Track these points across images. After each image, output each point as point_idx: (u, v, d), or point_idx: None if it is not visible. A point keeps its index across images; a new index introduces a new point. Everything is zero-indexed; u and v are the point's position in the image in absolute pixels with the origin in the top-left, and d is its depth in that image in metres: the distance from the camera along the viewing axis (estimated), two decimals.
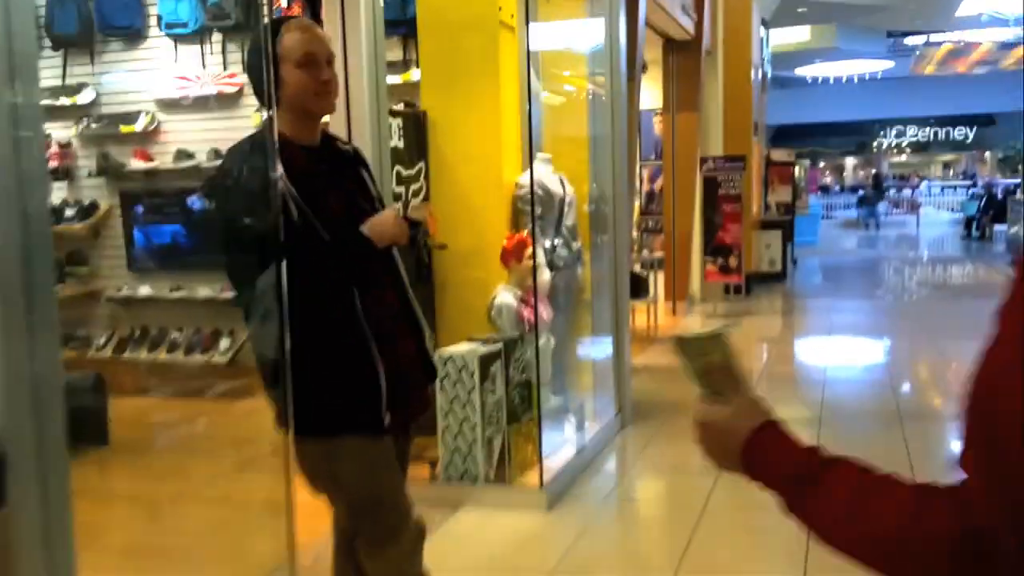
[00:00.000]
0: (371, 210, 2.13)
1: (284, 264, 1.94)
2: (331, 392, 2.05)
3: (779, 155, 14.48)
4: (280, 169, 1.95)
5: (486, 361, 3.72)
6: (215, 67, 5.51)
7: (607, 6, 5.08)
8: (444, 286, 4.37)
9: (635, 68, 5.84)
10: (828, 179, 35.85)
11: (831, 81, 26.21)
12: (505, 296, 4.12)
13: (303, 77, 2.01)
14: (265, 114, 2.04)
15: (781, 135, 25.75)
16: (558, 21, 5.30)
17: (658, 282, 8.58)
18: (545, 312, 4.22)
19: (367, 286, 2.05)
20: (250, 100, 5.55)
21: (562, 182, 4.73)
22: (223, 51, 5.51)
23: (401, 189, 4.11)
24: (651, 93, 9.55)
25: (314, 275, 1.99)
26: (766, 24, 13.23)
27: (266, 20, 2.11)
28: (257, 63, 2.04)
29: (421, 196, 4.27)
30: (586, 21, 5.16)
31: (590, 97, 5.30)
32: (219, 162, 2.13)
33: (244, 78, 5.53)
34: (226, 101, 5.50)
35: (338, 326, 2.02)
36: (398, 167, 4.06)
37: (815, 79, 25.85)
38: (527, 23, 4.25)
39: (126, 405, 4.82)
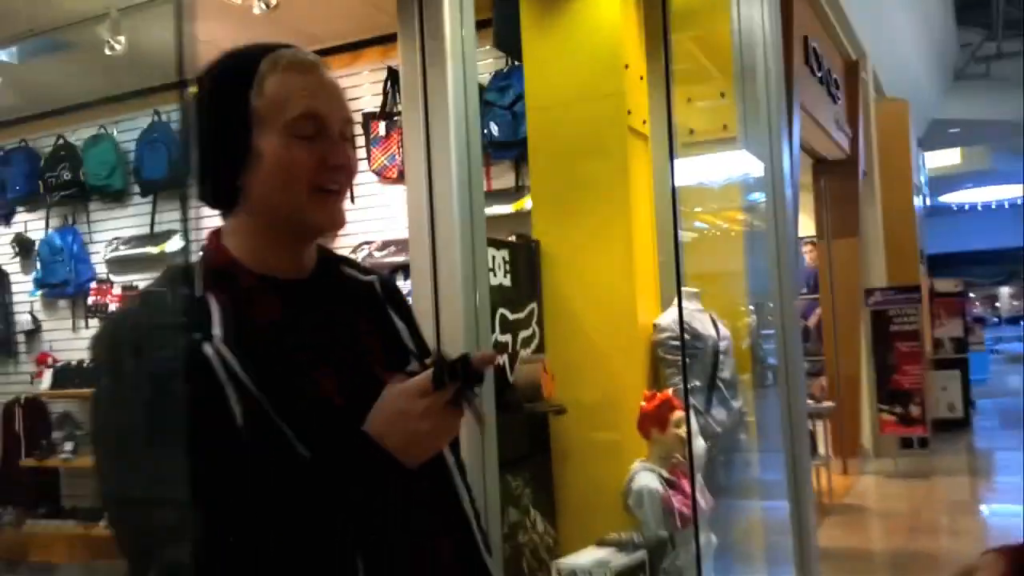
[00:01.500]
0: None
1: (214, 506, 0.98)
2: None
3: (944, 285, 12.95)
4: (217, 328, 1.04)
5: None
6: None
7: (765, 123, 4.18)
8: (564, 463, 3.38)
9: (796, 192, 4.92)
10: (981, 310, 33.42)
11: (979, 207, 24.43)
12: (646, 478, 3.09)
13: (298, 154, 1.12)
14: (196, 218, 1.15)
15: (929, 264, 23.96)
16: (704, 141, 4.46)
17: (826, 436, 7.28)
18: (703, 499, 3.14)
19: (386, 542, 1.09)
20: (347, 240, 4.90)
21: (714, 322, 3.74)
22: None
23: (507, 338, 3.22)
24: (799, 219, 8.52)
25: (276, 526, 1.02)
26: (920, 145, 12.11)
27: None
28: (208, 124, 1.14)
29: (533, 346, 3.36)
30: (738, 146, 4.28)
31: (746, 228, 4.37)
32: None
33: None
34: (320, 242, 4.85)
35: None
36: (503, 310, 3.18)
37: (961, 205, 24.14)
38: (669, 127, 3.39)
39: None
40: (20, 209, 5.83)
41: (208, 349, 1.03)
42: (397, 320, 1.26)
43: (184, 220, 1.02)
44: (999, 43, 12.94)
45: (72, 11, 4.23)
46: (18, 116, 5.72)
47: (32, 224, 5.81)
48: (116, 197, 5.48)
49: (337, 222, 1.18)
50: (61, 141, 5.54)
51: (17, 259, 5.81)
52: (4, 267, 5.86)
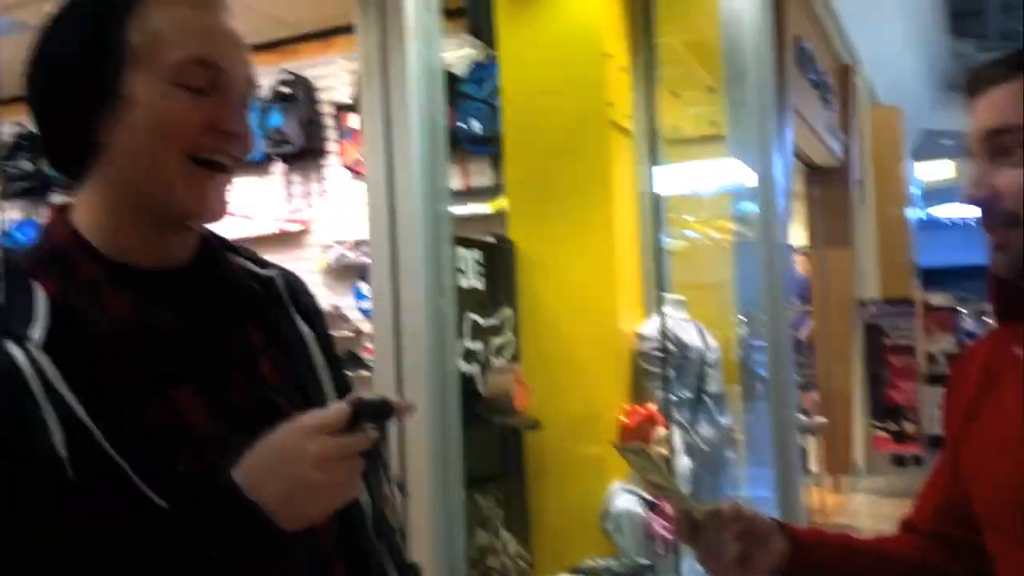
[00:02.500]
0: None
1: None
2: None
3: (937, 299, 12.80)
4: (38, 328, 0.79)
5: None
6: (276, 202, 4.68)
7: (755, 124, 3.95)
8: (538, 481, 3.14)
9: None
10: (972, 325, 33.46)
11: (972, 222, 24.34)
12: (625, 500, 2.85)
13: (179, 107, 0.87)
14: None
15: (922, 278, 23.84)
16: (691, 139, 4.24)
17: (818, 452, 7.06)
18: None
19: None
20: (317, 239, 4.67)
21: (701, 333, 3.52)
22: (286, 184, 4.69)
23: (478, 345, 2.98)
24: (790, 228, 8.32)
25: None
26: (913, 156, 11.98)
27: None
28: (66, 56, 0.88)
29: (507, 354, 3.12)
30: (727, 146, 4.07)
31: (736, 236, 4.16)
32: None
33: (309, 214, 4.67)
34: (288, 241, 4.63)
35: None
36: (474, 316, 2.95)
37: (954, 219, 24.10)
38: (652, 124, 3.18)
39: None
40: None
41: (18, 355, 0.77)
42: (303, 327, 1.01)
43: None
44: (993, 54, 12.82)
45: None
46: None
47: None
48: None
49: (216, 209, 0.91)
50: (23, 131, 5.31)
51: None
52: None
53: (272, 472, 0.79)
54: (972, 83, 1.02)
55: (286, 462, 0.80)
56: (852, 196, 7.95)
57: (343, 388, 1.02)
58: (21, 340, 0.78)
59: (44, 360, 0.78)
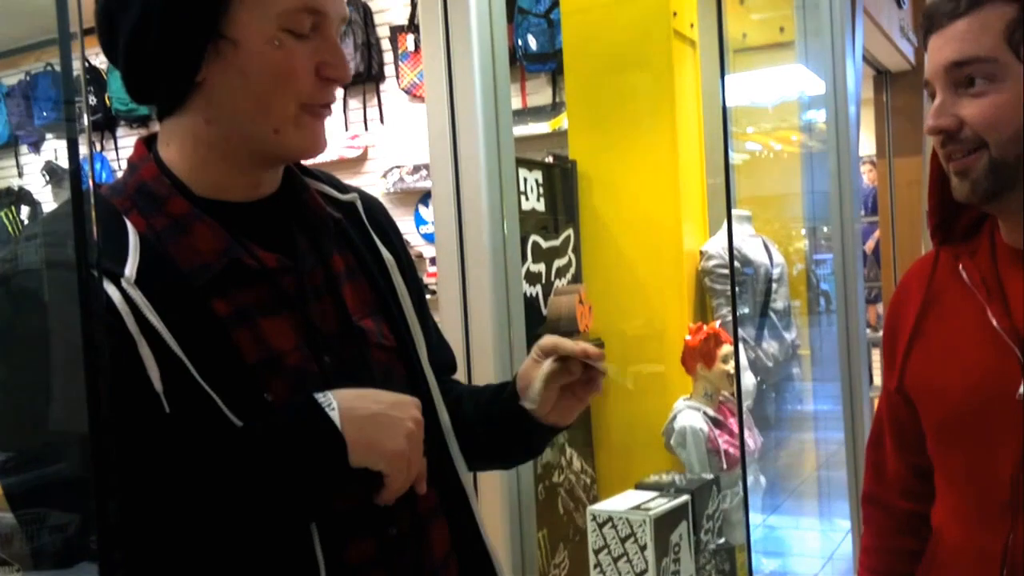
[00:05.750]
0: (388, 337, 0.98)
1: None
2: None
3: None
4: (130, 264, 0.81)
5: (665, 524, 2.47)
6: (333, 128, 4.69)
7: (827, 30, 3.81)
8: (602, 399, 3.17)
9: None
10: None
11: None
12: (690, 416, 2.87)
13: (295, 57, 0.87)
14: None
15: None
16: (759, 47, 4.09)
17: (879, 367, 6.99)
18: (752, 439, 2.92)
19: (354, 514, 0.89)
20: (376, 164, 4.69)
21: (767, 247, 3.46)
22: (344, 109, 4.69)
23: (540, 267, 2.98)
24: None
25: (211, 513, 0.80)
26: None
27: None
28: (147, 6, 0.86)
29: (569, 275, 3.12)
30: (795, 53, 3.93)
31: (803, 146, 4.05)
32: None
33: (367, 139, 4.67)
34: (347, 167, 4.65)
35: None
36: (535, 237, 2.94)
37: None
38: (720, 33, 3.07)
39: None
40: (49, 136, 5.72)
41: (113, 292, 0.79)
42: (384, 251, 1.03)
43: (68, 121, 0.78)
44: None
45: None
46: (46, 38, 5.56)
47: (62, 151, 5.69)
48: (142, 122, 5.33)
49: (321, 146, 0.93)
50: (86, 64, 5.37)
51: (48, 187, 5.73)
52: (36, 196, 5.78)
53: (370, 414, 0.83)
54: (930, 20, 1.06)
55: (385, 416, 0.83)
56: (924, 101, 7.66)
57: (423, 312, 1.05)
58: (115, 277, 0.80)
59: (137, 295, 0.80)
